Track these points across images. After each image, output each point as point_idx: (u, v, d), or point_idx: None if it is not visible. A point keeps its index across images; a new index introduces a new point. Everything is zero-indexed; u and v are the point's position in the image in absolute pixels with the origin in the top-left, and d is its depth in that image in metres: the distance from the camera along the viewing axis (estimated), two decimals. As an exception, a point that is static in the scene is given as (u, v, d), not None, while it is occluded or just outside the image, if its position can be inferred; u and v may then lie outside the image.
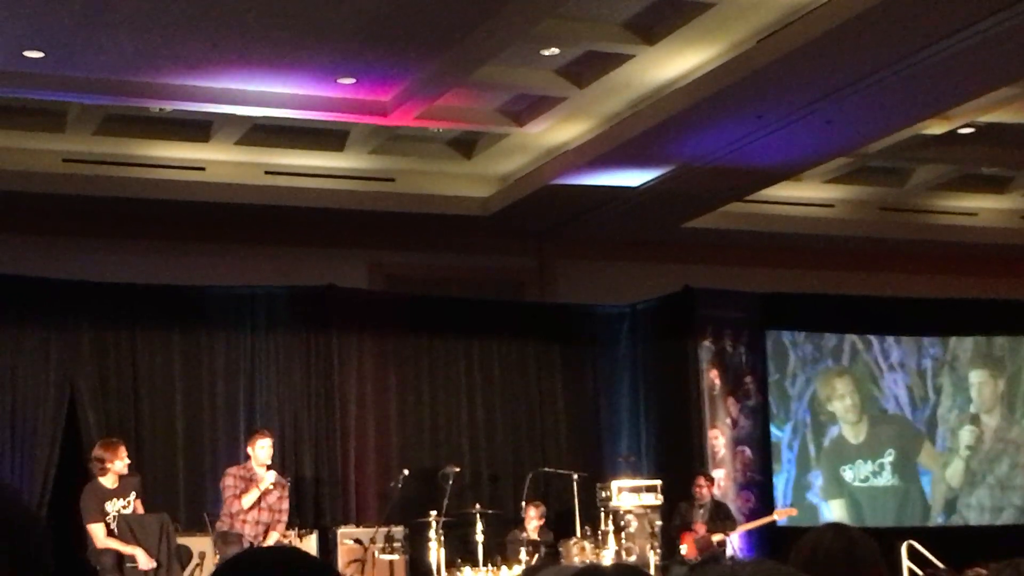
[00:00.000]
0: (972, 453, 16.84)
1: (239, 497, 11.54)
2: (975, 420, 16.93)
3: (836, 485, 16.29)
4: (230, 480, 11.69)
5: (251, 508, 11.53)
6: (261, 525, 11.58)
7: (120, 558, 10.90)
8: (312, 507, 14.22)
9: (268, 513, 11.61)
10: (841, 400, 16.50)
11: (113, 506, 11.06)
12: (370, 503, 14.46)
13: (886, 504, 16.47)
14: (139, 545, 10.87)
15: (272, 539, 11.56)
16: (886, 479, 16.51)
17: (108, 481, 11.13)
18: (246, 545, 11.26)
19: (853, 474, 16.37)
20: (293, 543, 12.34)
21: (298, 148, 14.18)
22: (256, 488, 11.52)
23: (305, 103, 12.64)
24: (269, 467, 11.68)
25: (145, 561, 10.87)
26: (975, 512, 16.79)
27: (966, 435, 16.85)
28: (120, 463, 11.17)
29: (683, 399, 15.58)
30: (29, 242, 14.04)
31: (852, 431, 16.48)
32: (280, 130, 13.83)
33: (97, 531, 10.93)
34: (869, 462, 16.45)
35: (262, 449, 11.70)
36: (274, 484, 11.60)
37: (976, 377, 17.03)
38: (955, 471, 16.79)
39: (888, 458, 16.54)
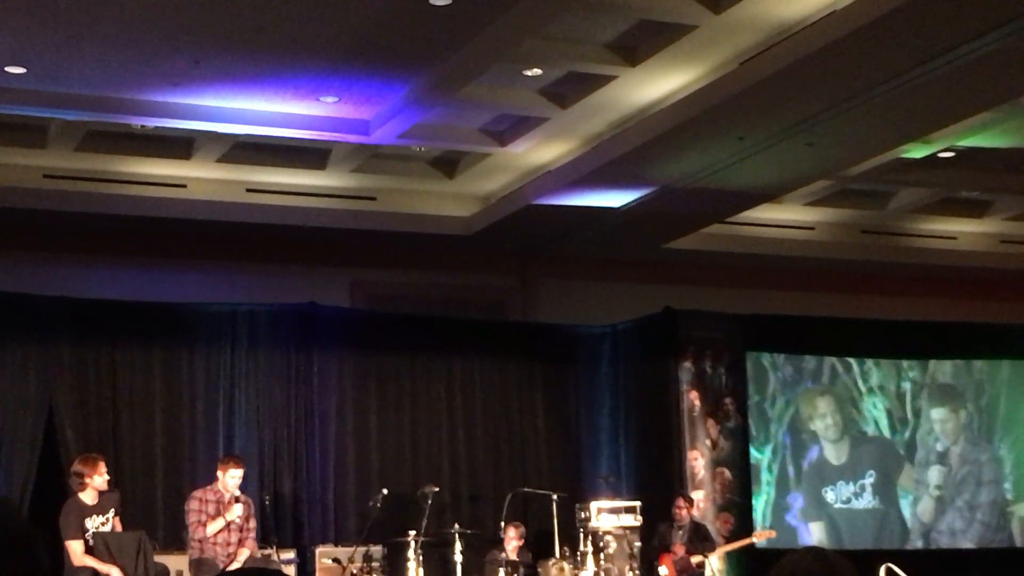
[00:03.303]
0: (941, 492, 16.85)
1: (204, 524, 11.50)
2: (943, 458, 16.94)
3: (817, 506, 16.28)
4: (195, 504, 11.64)
5: (217, 532, 11.54)
6: (231, 545, 11.56)
7: None
8: (291, 525, 14.18)
9: (236, 533, 11.60)
10: (822, 419, 16.51)
11: (93, 523, 11.00)
12: (349, 522, 14.42)
13: (865, 526, 16.48)
14: (115, 563, 10.82)
15: (243, 556, 11.53)
16: (867, 500, 16.51)
17: (88, 497, 11.09)
18: (219, 566, 11.25)
19: (835, 495, 16.37)
20: (271, 558, 12.31)
21: (280, 166, 14.18)
22: (222, 518, 11.50)
23: (287, 121, 12.65)
24: (236, 498, 11.63)
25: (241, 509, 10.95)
26: (946, 536, 16.79)
27: (935, 475, 16.85)
28: (100, 478, 11.13)
29: (663, 420, 15.57)
30: (9, 258, 14.00)
31: (834, 451, 16.49)
32: (262, 148, 13.83)
33: (75, 548, 10.87)
34: (851, 483, 16.46)
35: (232, 479, 11.67)
36: (240, 516, 11.58)
37: (937, 415, 17.04)
38: (926, 507, 16.78)
39: (869, 479, 16.54)
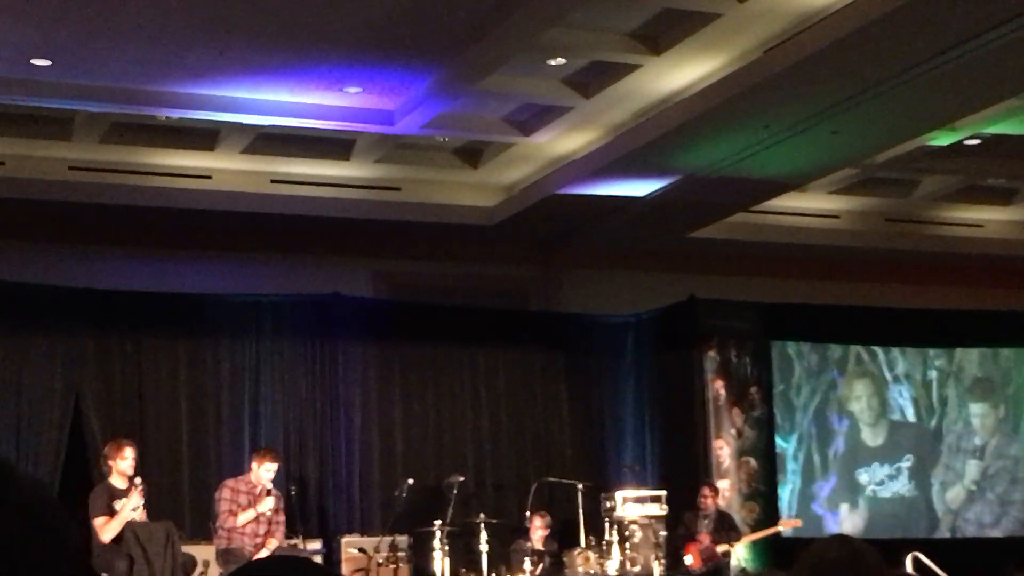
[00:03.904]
0: (976, 486, 16.80)
1: (234, 514, 11.57)
2: (980, 454, 16.88)
3: (844, 494, 16.24)
4: (227, 493, 11.69)
5: (247, 523, 11.61)
6: (259, 537, 11.62)
7: (132, 565, 10.84)
8: (316, 516, 14.22)
9: (265, 525, 11.65)
10: (858, 401, 16.49)
11: (121, 505, 11.06)
12: (374, 512, 14.45)
13: (894, 515, 16.44)
14: (145, 554, 10.83)
15: (272, 545, 11.59)
16: (902, 484, 16.47)
17: (117, 481, 11.18)
18: (247, 557, 11.28)
19: (869, 477, 16.33)
20: (298, 548, 12.36)
21: (304, 157, 14.20)
22: (253, 509, 11.56)
23: (311, 112, 12.66)
24: (269, 491, 11.69)
25: (137, 499, 10.92)
26: (973, 526, 16.75)
27: (972, 470, 16.79)
28: (124, 462, 11.19)
29: (688, 409, 15.57)
30: (35, 249, 14.06)
31: (871, 433, 16.46)
32: (286, 139, 13.85)
33: (100, 523, 10.90)
34: (887, 465, 16.43)
35: (267, 472, 11.74)
36: (271, 509, 11.65)
37: (977, 410, 16.99)
38: (956, 495, 16.74)
39: (906, 463, 16.51)
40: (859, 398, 16.52)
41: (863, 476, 16.32)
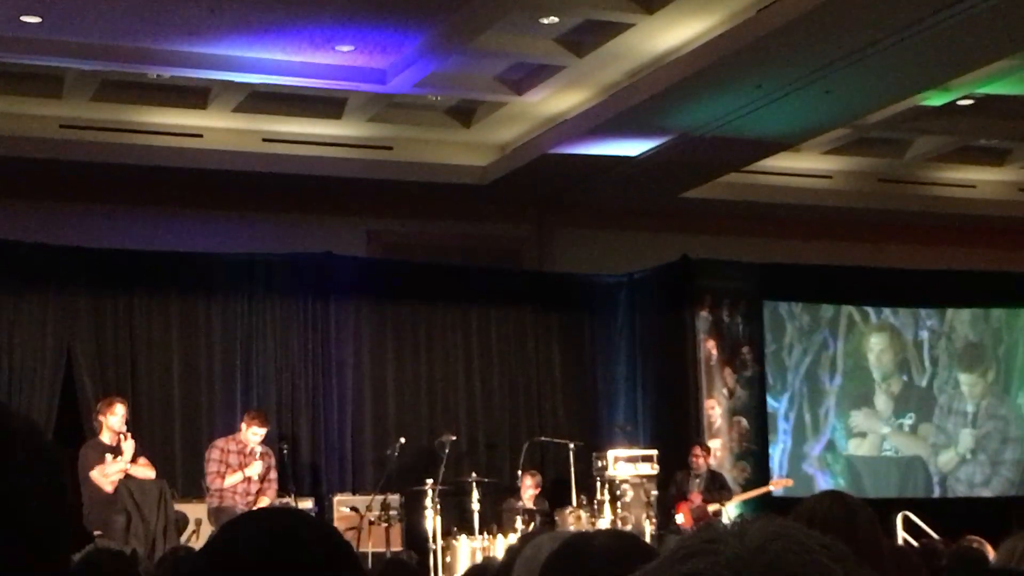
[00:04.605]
0: (967, 449, 16.87)
1: (222, 475, 11.61)
2: (973, 421, 16.93)
3: (837, 455, 16.30)
4: (216, 454, 11.73)
5: (236, 484, 11.66)
6: (251, 495, 11.66)
7: (129, 521, 10.85)
8: (308, 474, 14.25)
9: (256, 484, 11.69)
10: (871, 352, 16.56)
11: (116, 457, 11.10)
12: (366, 471, 14.49)
13: (888, 475, 16.51)
14: (140, 511, 10.85)
15: (263, 504, 11.61)
16: (901, 440, 16.53)
17: (107, 438, 11.20)
18: (238, 514, 11.30)
19: (874, 416, 16.39)
20: (289, 506, 12.39)
21: (296, 115, 14.15)
22: (242, 472, 11.60)
23: (303, 70, 12.62)
24: (260, 455, 11.74)
25: (131, 445, 11.05)
26: (964, 486, 16.82)
27: (967, 438, 16.84)
28: (113, 418, 11.19)
29: (680, 369, 15.59)
30: (26, 208, 14.02)
31: (883, 386, 16.51)
32: (278, 97, 13.80)
33: (98, 475, 10.92)
34: (892, 417, 16.51)
35: (254, 435, 11.75)
36: (259, 474, 11.69)
37: (966, 380, 17.03)
38: (948, 459, 16.80)
39: (908, 420, 16.60)
40: (871, 350, 16.58)
41: (871, 416, 16.40)
